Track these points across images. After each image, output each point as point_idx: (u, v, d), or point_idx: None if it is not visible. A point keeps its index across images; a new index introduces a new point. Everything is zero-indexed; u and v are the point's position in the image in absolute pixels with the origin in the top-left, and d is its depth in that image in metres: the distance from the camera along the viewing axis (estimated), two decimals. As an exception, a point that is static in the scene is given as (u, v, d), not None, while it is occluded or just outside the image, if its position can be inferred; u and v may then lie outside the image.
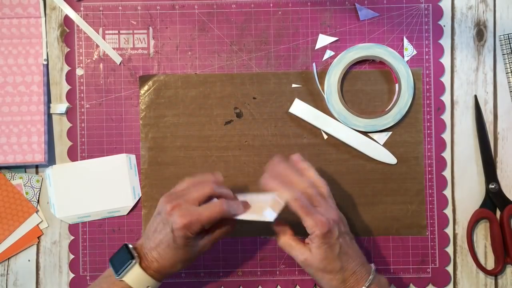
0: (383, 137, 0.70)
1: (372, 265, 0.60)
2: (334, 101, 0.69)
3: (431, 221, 0.70)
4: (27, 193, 0.70)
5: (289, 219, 0.60)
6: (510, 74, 0.70)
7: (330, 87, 0.69)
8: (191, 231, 0.55)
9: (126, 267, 0.56)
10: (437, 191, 0.70)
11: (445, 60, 0.71)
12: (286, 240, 0.60)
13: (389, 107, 0.69)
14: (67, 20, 0.71)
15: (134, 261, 0.56)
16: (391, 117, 0.69)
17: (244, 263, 0.70)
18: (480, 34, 0.71)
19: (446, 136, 0.71)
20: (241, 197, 0.62)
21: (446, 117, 0.71)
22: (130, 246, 0.58)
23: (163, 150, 0.70)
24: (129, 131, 0.70)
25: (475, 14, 0.71)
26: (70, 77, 0.71)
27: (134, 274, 0.56)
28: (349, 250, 0.57)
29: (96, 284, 0.59)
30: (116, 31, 0.71)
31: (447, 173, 0.70)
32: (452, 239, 0.70)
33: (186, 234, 0.55)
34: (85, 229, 0.70)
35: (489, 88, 0.71)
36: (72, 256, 0.70)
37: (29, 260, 0.70)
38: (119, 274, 0.56)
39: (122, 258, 0.57)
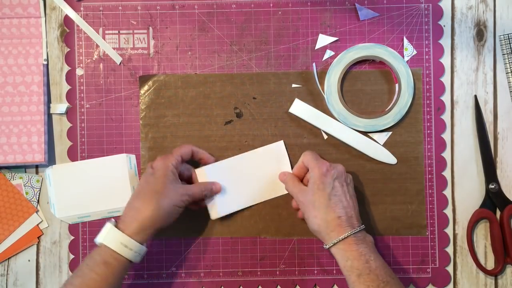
0: (383, 137, 0.70)
1: (362, 226, 0.61)
2: (334, 101, 0.69)
3: (431, 221, 0.70)
4: (27, 193, 0.70)
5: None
6: (510, 74, 0.70)
7: (330, 87, 0.69)
8: (169, 161, 0.62)
9: (103, 229, 0.59)
10: (437, 191, 0.70)
11: (445, 60, 0.71)
12: (290, 179, 0.66)
13: (389, 107, 0.69)
14: (67, 20, 0.71)
15: (109, 223, 0.59)
16: (391, 117, 0.69)
17: (244, 263, 0.70)
18: (480, 34, 0.71)
19: (446, 136, 0.71)
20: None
21: (446, 117, 0.71)
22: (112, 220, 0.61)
23: (163, 150, 0.70)
24: (129, 131, 0.70)
25: (475, 14, 0.71)
26: (70, 77, 0.71)
27: (111, 234, 0.58)
28: (342, 197, 0.62)
29: (81, 265, 0.60)
30: (116, 31, 0.71)
31: (447, 173, 0.70)
32: (452, 239, 0.70)
33: (165, 164, 0.61)
34: (85, 229, 0.70)
35: (489, 88, 0.71)
36: (72, 256, 0.70)
37: (29, 260, 0.70)
38: (97, 238, 0.59)
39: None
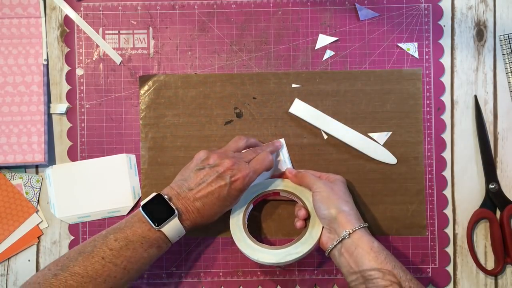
0: (383, 137, 0.70)
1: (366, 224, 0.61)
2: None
3: (431, 221, 0.70)
4: (27, 193, 0.70)
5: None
6: (510, 74, 0.70)
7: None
8: (248, 184, 0.62)
9: (168, 220, 0.58)
10: (437, 191, 0.70)
11: (445, 60, 0.71)
12: (307, 174, 0.65)
13: (299, 237, 0.64)
14: (67, 20, 0.71)
15: (176, 213, 0.59)
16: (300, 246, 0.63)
17: (244, 263, 0.70)
18: (480, 34, 0.71)
19: (446, 136, 0.71)
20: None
21: (446, 117, 0.71)
22: (166, 197, 0.60)
23: (163, 150, 0.70)
24: (129, 131, 0.70)
25: (475, 14, 0.71)
26: (70, 77, 0.71)
27: (172, 225, 0.59)
28: (349, 200, 0.62)
29: (128, 226, 0.59)
30: (116, 31, 0.71)
31: (447, 173, 0.70)
32: (452, 239, 0.70)
33: (243, 187, 0.61)
34: (85, 229, 0.70)
35: (489, 88, 0.71)
36: (72, 256, 0.70)
37: (29, 260, 0.70)
38: (159, 225, 0.58)
39: (160, 209, 0.59)
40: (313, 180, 0.63)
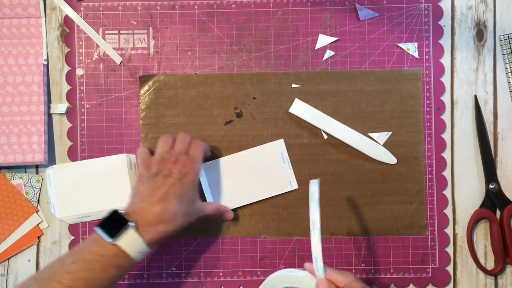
0: (383, 137, 0.70)
1: None
2: None
3: (431, 221, 0.70)
4: (27, 193, 0.70)
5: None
6: (510, 74, 0.70)
7: None
8: (197, 174, 0.62)
9: (122, 230, 0.55)
10: (437, 191, 0.70)
11: (445, 60, 0.71)
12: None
13: None
14: (67, 20, 0.71)
15: (132, 224, 0.56)
16: None
17: (244, 263, 0.70)
18: (480, 34, 0.71)
19: (446, 136, 0.71)
20: None
21: (446, 117, 0.71)
22: (121, 211, 0.57)
23: (163, 150, 0.70)
24: (129, 131, 0.70)
25: (475, 14, 0.71)
26: (70, 77, 0.71)
27: (130, 239, 0.55)
28: None
29: (84, 247, 0.56)
30: (116, 31, 0.71)
31: (447, 173, 0.70)
32: (452, 239, 0.70)
33: (194, 177, 0.61)
34: (85, 229, 0.70)
35: (489, 88, 0.71)
36: (72, 256, 0.70)
37: (29, 260, 0.70)
38: (114, 237, 0.55)
39: (115, 222, 0.56)
40: None
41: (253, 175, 0.69)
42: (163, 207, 0.58)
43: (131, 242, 0.56)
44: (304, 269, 0.58)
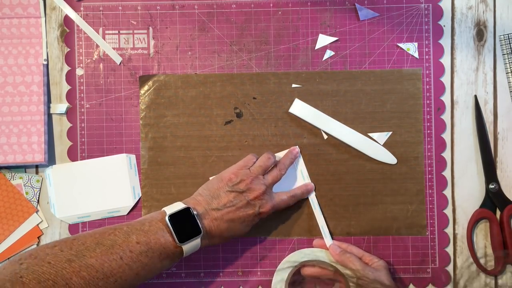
0: (383, 137, 0.70)
1: None
2: None
3: (431, 221, 0.70)
4: (27, 193, 0.70)
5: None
6: (510, 74, 0.70)
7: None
8: (271, 213, 0.64)
9: (193, 239, 0.58)
10: (437, 191, 0.70)
11: (445, 60, 0.71)
12: (352, 258, 0.65)
13: None
14: (67, 20, 0.71)
15: (201, 234, 0.59)
16: None
17: (244, 263, 0.70)
18: (480, 34, 0.71)
19: (446, 136, 0.71)
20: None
21: (446, 117, 0.71)
22: (195, 213, 0.59)
23: (163, 150, 0.70)
24: (129, 131, 0.70)
25: (475, 14, 0.71)
26: (70, 77, 0.71)
27: (194, 244, 0.59)
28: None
29: (151, 232, 0.57)
30: (116, 31, 0.71)
31: (447, 173, 0.70)
32: (452, 239, 0.70)
33: (267, 216, 0.64)
34: (85, 229, 0.70)
35: (489, 88, 0.71)
36: (72, 256, 0.70)
37: (29, 260, 0.70)
38: (183, 242, 0.57)
39: (186, 224, 0.58)
40: (358, 266, 0.63)
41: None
42: (229, 228, 0.62)
43: (192, 246, 0.59)
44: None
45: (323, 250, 0.68)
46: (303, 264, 0.67)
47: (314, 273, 0.66)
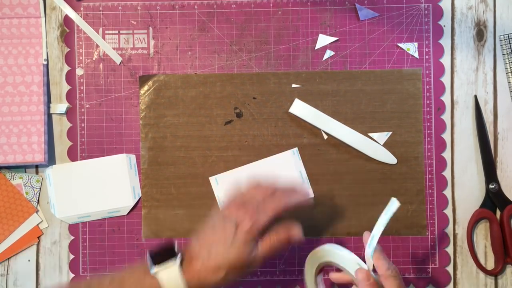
0: (383, 137, 0.70)
1: None
2: None
3: (431, 221, 0.70)
4: (27, 193, 0.70)
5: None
6: (510, 74, 0.70)
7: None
8: (256, 227, 0.54)
9: (167, 262, 0.52)
10: (437, 191, 0.70)
11: (445, 60, 0.71)
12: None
13: None
14: (67, 20, 0.71)
15: (178, 257, 0.53)
16: None
17: (244, 263, 0.70)
18: (480, 34, 0.71)
19: (446, 136, 0.71)
20: None
21: (446, 117, 0.71)
22: (176, 244, 0.55)
23: (163, 150, 0.70)
24: (129, 131, 0.70)
25: (475, 14, 0.71)
26: (70, 77, 0.71)
27: (172, 274, 0.52)
28: None
29: (127, 271, 0.54)
30: (116, 31, 0.71)
31: (447, 173, 0.70)
32: (452, 239, 0.70)
33: (251, 229, 0.54)
34: (85, 229, 0.70)
35: (489, 88, 0.71)
36: (72, 256, 0.70)
37: (29, 260, 0.70)
38: (156, 266, 0.52)
39: (164, 253, 0.53)
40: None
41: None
42: (210, 252, 0.54)
43: (171, 279, 0.52)
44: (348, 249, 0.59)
45: (354, 261, 0.58)
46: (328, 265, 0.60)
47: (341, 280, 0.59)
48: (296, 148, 0.70)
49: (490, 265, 0.70)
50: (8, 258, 0.70)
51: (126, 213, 0.70)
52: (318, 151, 0.70)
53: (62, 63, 0.71)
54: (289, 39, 0.71)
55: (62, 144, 0.71)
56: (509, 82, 0.71)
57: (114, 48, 0.71)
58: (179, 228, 0.69)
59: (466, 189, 0.70)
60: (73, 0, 0.71)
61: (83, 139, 0.70)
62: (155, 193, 0.70)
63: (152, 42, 0.71)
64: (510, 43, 0.70)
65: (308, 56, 0.71)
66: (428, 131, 0.70)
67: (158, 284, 0.52)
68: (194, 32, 0.71)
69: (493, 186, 0.69)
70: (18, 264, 0.70)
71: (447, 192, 0.70)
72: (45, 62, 0.70)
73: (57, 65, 0.71)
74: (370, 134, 0.70)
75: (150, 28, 0.71)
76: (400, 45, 0.70)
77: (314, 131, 0.70)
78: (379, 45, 0.71)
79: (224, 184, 0.69)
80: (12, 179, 0.70)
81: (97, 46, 0.71)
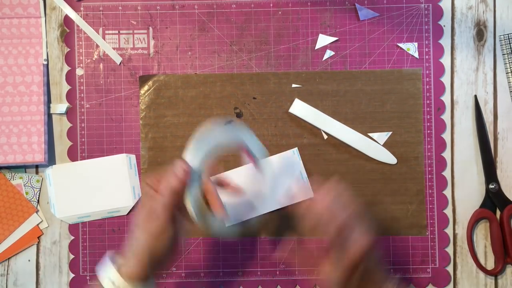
0: (383, 137, 0.70)
1: None
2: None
3: (431, 221, 0.70)
4: (27, 193, 0.70)
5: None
6: (510, 74, 0.70)
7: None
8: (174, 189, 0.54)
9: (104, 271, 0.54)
10: (437, 191, 0.70)
11: (445, 60, 0.71)
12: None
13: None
14: (67, 20, 0.71)
15: (108, 258, 0.55)
16: None
17: (244, 263, 0.70)
18: (480, 34, 0.71)
19: (446, 136, 0.71)
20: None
21: (446, 117, 0.71)
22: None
23: (163, 150, 0.70)
24: (129, 131, 0.70)
25: (475, 14, 0.71)
26: (70, 77, 0.71)
27: (105, 272, 0.54)
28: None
29: None
30: (116, 31, 0.71)
31: (447, 173, 0.70)
32: (452, 239, 0.70)
33: (168, 192, 0.53)
34: (85, 229, 0.70)
35: (489, 88, 0.71)
36: (72, 256, 0.70)
37: (29, 260, 0.70)
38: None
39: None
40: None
41: (267, 184, 0.68)
42: (137, 238, 0.54)
43: (104, 275, 0.53)
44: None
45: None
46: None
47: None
48: (296, 148, 0.70)
49: (490, 265, 0.70)
50: (8, 258, 0.70)
51: (126, 213, 0.70)
52: (318, 151, 0.70)
53: (62, 63, 0.71)
54: (289, 39, 0.71)
55: (62, 144, 0.71)
56: (509, 82, 0.71)
57: (114, 48, 0.71)
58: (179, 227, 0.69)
59: (466, 189, 0.70)
60: (73, 0, 0.71)
61: (83, 139, 0.70)
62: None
63: (152, 42, 0.71)
64: (510, 43, 0.70)
65: (308, 56, 0.71)
66: (428, 131, 0.70)
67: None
68: (194, 32, 0.71)
69: (493, 186, 0.69)
70: (18, 264, 0.70)
71: (447, 192, 0.70)
72: (45, 62, 0.70)
73: (57, 65, 0.71)
74: (370, 134, 0.70)
75: (150, 28, 0.71)
76: (400, 45, 0.70)
77: (314, 131, 0.70)
78: (379, 45, 0.71)
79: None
80: (12, 179, 0.70)
81: (97, 46, 0.71)
